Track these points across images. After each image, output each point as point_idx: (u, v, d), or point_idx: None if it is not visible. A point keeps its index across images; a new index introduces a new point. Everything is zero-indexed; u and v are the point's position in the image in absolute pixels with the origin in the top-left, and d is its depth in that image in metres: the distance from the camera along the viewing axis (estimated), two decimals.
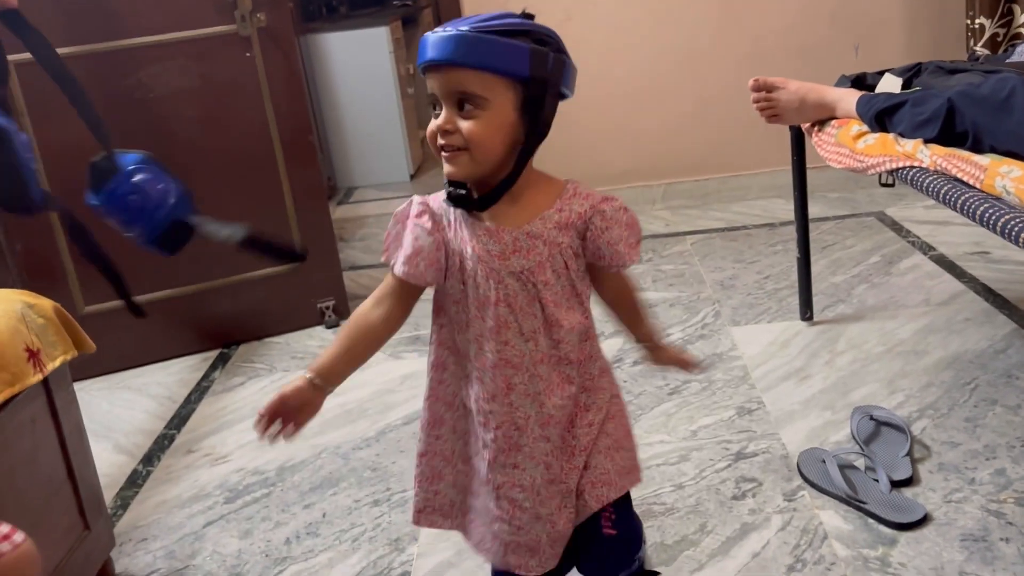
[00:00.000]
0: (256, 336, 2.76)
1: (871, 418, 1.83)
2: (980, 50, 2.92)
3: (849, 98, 1.92)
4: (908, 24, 3.37)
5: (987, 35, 3.02)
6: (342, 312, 2.84)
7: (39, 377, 1.44)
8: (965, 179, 1.49)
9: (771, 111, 2.04)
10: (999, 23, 3.02)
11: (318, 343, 2.69)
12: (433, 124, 1.01)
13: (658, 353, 1.25)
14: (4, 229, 2.46)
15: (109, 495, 1.95)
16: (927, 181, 1.56)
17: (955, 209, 1.45)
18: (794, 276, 2.66)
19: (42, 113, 2.43)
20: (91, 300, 2.58)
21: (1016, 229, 1.27)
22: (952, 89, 1.67)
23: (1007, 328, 2.20)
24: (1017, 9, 2.99)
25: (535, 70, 0.98)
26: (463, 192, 1.04)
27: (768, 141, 3.40)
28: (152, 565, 1.72)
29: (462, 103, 0.99)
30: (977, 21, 3.02)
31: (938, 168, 1.58)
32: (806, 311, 2.36)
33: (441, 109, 1.00)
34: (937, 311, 2.35)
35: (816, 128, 2.04)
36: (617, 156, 3.50)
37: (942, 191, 1.49)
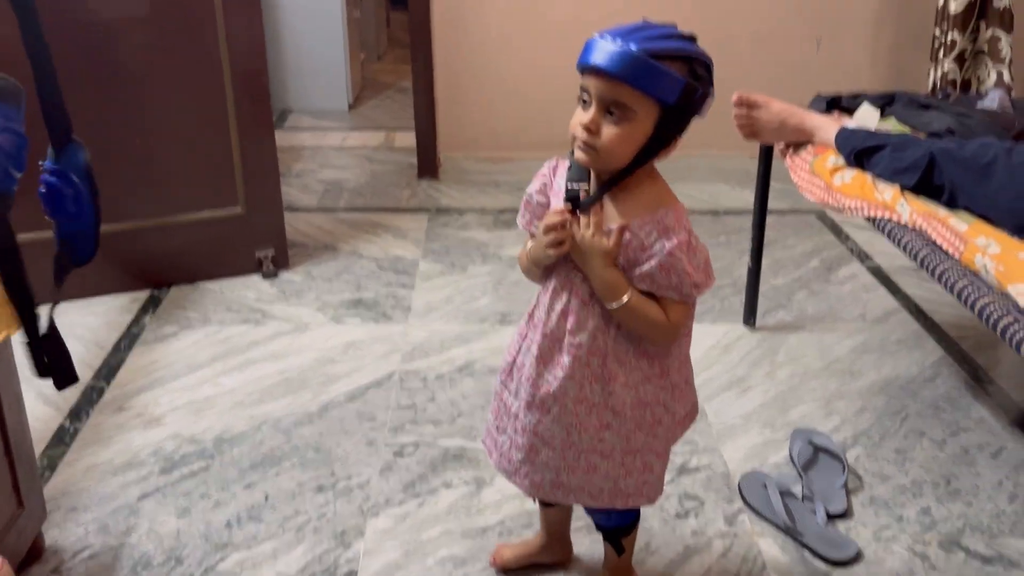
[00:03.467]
0: (189, 280, 2.66)
1: (810, 443, 1.90)
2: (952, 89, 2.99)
3: (829, 128, 1.93)
4: (872, 24, 3.41)
5: (957, 51, 3.07)
6: (281, 263, 2.75)
7: None
8: (944, 246, 1.53)
9: (750, 128, 2.04)
10: (970, 38, 3.07)
11: (255, 294, 2.61)
12: (579, 117, 1.12)
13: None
14: None
15: (35, 453, 1.87)
16: (905, 239, 1.60)
17: (933, 277, 1.49)
18: (737, 273, 2.73)
19: None
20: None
21: (995, 316, 1.31)
22: (934, 143, 1.70)
23: (936, 355, 2.30)
24: (983, 25, 3.05)
25: (681, 100, 1.08)
26: (575, 194, 1.17)
27: (715, 126, 3.38)
28: (84, 540, 1.67)
29: (611, 110, 1.09)
30: (950, 36, 3.06)
31: (916, 227, 1.61)
32: (749, 317, 2.42)
33: (590, 105, 1.10)
34: (872, 329, 2.44)
35: (791, 151, 2.05)
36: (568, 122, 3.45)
37: (920, 255, 1.53)
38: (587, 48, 1.09)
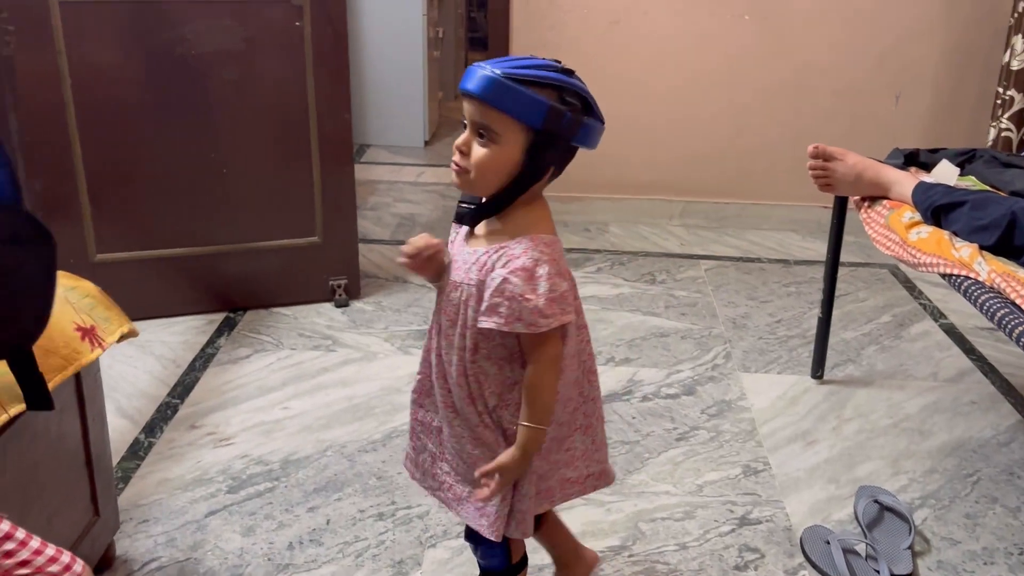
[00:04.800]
0: (264, 305, 2.73)
1: (876, 501, 1.86)
2: None
3: (906, 183, 1.91)
4: (953, 81, 3.37)
5: (1015, 109, 3.01)
6: (353, 292, 2.81)
7: (99, 352, 1.42)
8: (1022, 305, 1.50)
9: (825, 180, 2.03)
10: None
11: (326, 321, 2.67)
12: (457, 140, 1.18)
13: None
14: (24, 165, 2.40)
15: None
16: (982, 298, 1.57)
17: (1009, 337, 1.46)
18: (806, 324, 2.70)
19: (78, 44, 2.35)
20: (103, 248, 2.53)
21: None
22: (1016, 202, 1.67)
23: (1012, 419, 2.24)
24: None
25: (548, 124, 1.13)
26: (466, 212, 1.23)
27: (791, 175, 3.41)
28: (153, 552, 1.72)
29: (481, 132, 1.15)
30: (1008, 93, 3.01)
31: (995, 286, 1.58)
32: (818, 369, 2.39)
33: (467, 128, 1.17)
34: (944, 388, 2.38)
35: (866, 204, 2.03)
36: (642, 166, 3.48)
37: (997, 314, 1.50)
38: (465, 74, 1.15)
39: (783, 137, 3.40)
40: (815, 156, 2.03)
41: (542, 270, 1.15)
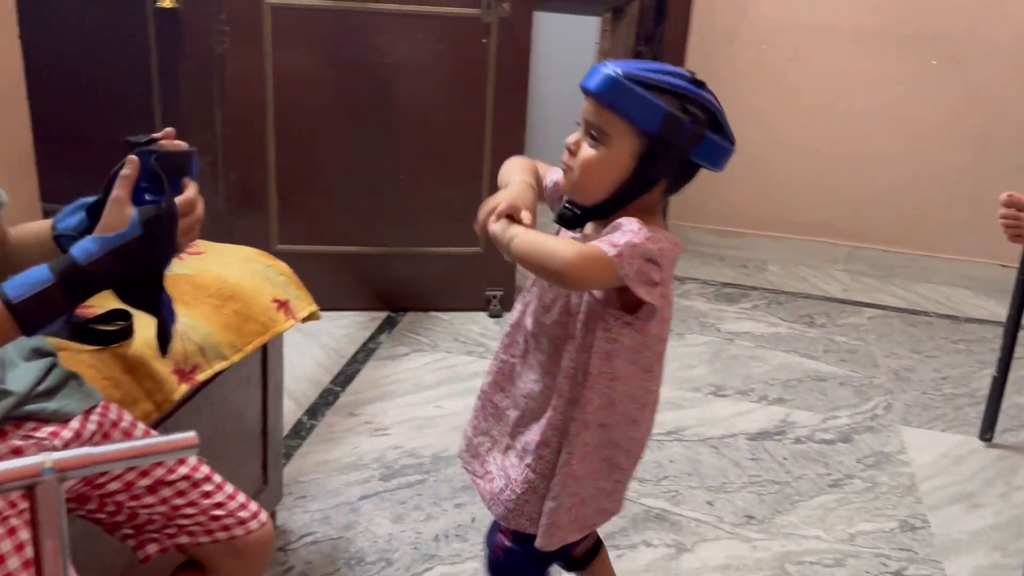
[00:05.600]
0: (424, 308, 2.83)
1: None
2: None
3: None
4: None
5: None
6: (506, 304, 2.87)
7: (291, 323, 1.52)
8: None
9: (1017, 231, 1.93)
10: None
11: (480, 329, 2.74)
12: (568, 138, 1.12)
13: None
14: (222, 155, 2.58)
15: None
16: None
17: None
18: (975, 384, 2.57)
19: (283, 46, 2.52)
20: (285, 239, 2.69)
21: None
22: None
23: None
24: None
25: (664, 131, 1.05)
26: (567, 214, 1.15)
27: (968, 229, 3.26)
28: (309, 526, 1.81)
29: (593, 132, 1.09)
30: None
31: None
32: (987, 431, 2.26)
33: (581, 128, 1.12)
34: None
35: None
36: (809, 206, 3.40)
37: None
38: (587, 73, 1.09)
39: (962, 188, 3.25)
40: (1008, 205, 1.92)
41: (654, 245, 1.04)
